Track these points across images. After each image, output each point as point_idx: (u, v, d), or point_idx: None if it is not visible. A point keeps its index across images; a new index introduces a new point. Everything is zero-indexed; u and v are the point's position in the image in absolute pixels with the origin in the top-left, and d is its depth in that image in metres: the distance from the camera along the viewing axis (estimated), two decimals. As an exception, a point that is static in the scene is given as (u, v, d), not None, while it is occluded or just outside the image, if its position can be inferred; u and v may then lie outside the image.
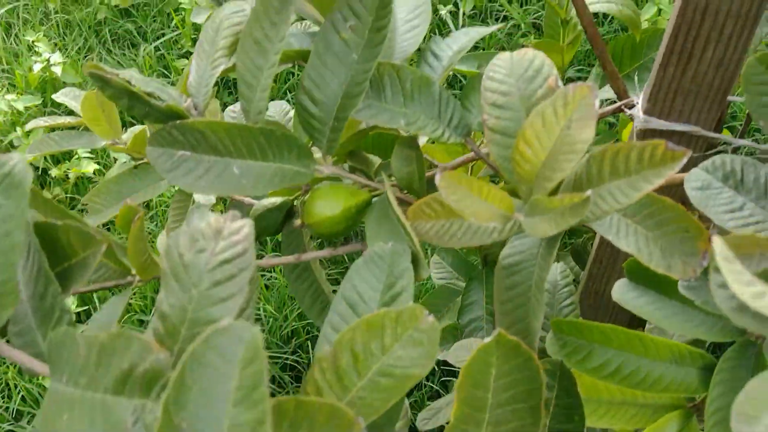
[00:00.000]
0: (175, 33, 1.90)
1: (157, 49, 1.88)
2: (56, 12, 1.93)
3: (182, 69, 1.86)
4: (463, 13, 2.06)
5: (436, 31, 2.06)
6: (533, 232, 0.34)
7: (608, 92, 0.90)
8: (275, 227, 0.61)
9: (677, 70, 0.55)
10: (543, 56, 0.40)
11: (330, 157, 0.46)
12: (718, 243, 0.28)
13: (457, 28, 2.04)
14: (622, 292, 0.50)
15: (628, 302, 0.49)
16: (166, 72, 1.86)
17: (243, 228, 0.33)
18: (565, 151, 0.34)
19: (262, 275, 1.46)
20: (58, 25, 1.92)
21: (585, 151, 0.34)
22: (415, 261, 0.38)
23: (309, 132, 0.45)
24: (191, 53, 1.94)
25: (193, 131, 0.43)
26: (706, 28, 0.52)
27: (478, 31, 0.51)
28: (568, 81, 1.89)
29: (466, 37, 0.51)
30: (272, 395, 0.26)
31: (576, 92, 0.34)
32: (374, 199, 0.46)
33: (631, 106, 0.61)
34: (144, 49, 1.86)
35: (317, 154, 0.46)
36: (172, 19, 1.91)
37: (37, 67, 1.66)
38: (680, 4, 0.52)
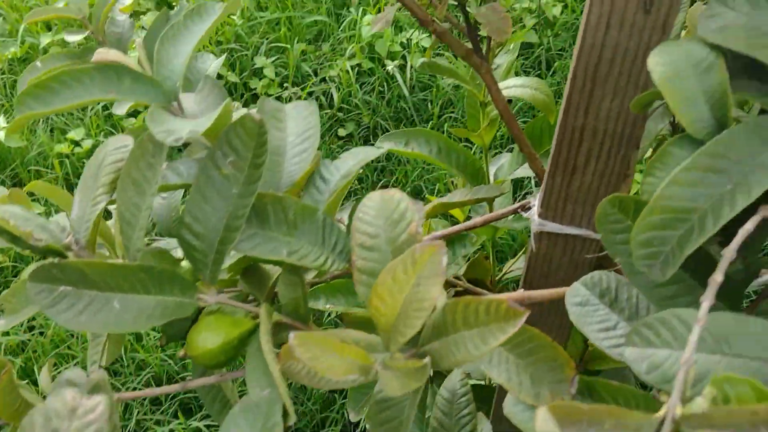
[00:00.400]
0: (124, 91, 1.90)
1: (104, 108, 1.88)
2: (3, 72, 1.92)
3: (129, 128, 1.86)
4: (411, 67, 2.11)
5: (385, 85, 2.10)
6: (387, 388, 0.35)
7: (529, 169, 0.93)
8: (183, 333, 0.61)
9: (564, 180, 0.57)
10: (408, 200, 0.42)
11: (214, 287, 0.46)
12: (541, 415, 0.30)
13: (405, 83, 2.08)
14: (510, 405, 0.51)
15: (515, 416, 0.50)
16: (113, 131, 1.86)
17: (98, 406, 0.34)
18: (415, 308, 0.36)
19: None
20: (5, 86, 1.91)
21: (433, 308, 0.36)
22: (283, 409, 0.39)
23: (192, 262, 0.46)
24: (140, 112, 1.95)
25: (73, 270, 0.43)
26: (585, 144, 0.55)
27: (366, 153, 0.53)
28: (503, 142, 1.93)
29: (354, 159, 0.52)
30: None
31: (424, 251, 0.36)
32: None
33: (529, 208, 0.63)
34: (92, 108, 1.86)
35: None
36: (121, 77, 1.92)
37: (-20, 131, 1.65)
38: (561, 121, 0.54)
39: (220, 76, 2.11)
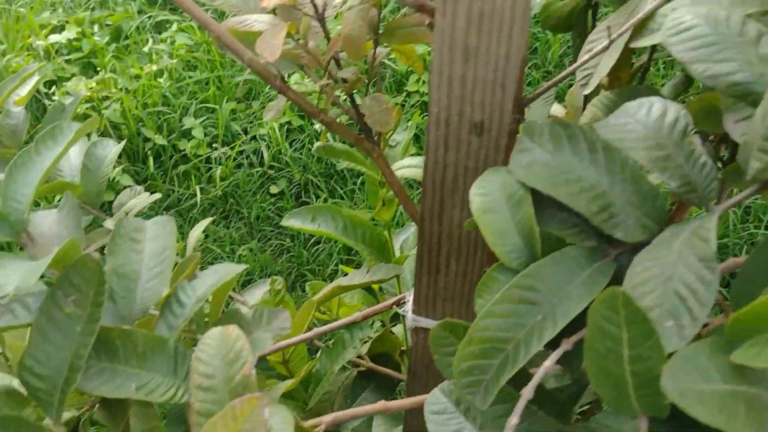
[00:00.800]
0: None
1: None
2: None
3: None
4: (340, 122, 2.13)
5: (314, 142, 2.12)
6: None
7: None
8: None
9: (430, 280, 0.59)
10: (244, 338, 0.42)
11: (62, 426, 0.46)
12: None
13: (335, 139, 2.11)
14: None
15: None
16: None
17: None
18: (236, 460, 0.36)
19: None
20: None
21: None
22: None
23: (38, 403, 0.46)
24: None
25: None
26: (445, 248, 0.57)
27: (227, 270, 0.53)
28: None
29: (214, 278, 0.53)
30: None
31: (245, 405, 0.36)
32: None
33: (404, 303, 0.64)
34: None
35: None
36: None
37: None
38: (420, 227, 0.56)
39: (147, 139, 2.10)
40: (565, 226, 0.41)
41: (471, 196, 0.43)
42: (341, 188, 2.05)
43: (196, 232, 0.96)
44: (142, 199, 0.98)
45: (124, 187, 2.05)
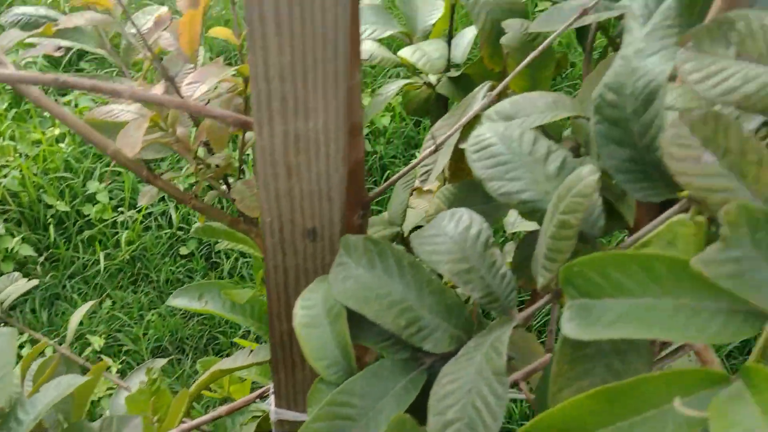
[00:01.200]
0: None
1: None
2: None
3: None
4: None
5: (224, 201, 2.11)
6: None
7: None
8: None
9: (288, 376, 0.60)
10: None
11: None
12: None
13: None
14: None
15: None
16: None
17: None
18: None
19: None
20: None
21: None
22: None
23: None
24: None
25: None
26: (296, 347, 0.57)
27: (68, 383, 0.53)
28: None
29: (57, 391, 0.52)
30: None
31: None
32: None
33: (268, 395, 0.64)
34: None
35: None
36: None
37: None
38: (270, 326, 0.57)
39: (49, 206, 2.03)
40: (380, 339, 0.42)
41: (294, 311, 0.44)
42: (252, 248, 2.04)
43: (76, 318, 0.93)
44: (19, 286, 0.95)
45: (24, 257, 1.98)
